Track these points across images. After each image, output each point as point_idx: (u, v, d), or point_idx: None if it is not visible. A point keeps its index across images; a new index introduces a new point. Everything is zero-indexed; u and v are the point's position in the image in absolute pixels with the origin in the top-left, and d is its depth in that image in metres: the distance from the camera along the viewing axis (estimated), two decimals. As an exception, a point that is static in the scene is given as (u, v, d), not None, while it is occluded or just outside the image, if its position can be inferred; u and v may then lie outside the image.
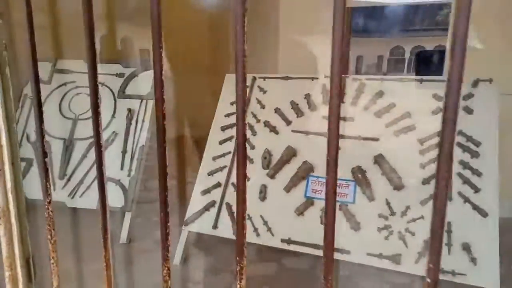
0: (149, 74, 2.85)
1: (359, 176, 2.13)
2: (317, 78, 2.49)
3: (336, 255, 2.03)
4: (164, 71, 0.62)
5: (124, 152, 2.73)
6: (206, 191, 2.41)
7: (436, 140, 2.09)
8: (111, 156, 2.74)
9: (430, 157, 2.06)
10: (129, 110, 2.79)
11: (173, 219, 2.80)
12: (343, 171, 2.19)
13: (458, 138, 2.05)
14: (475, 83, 2.12)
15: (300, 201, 2.20)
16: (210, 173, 2.45)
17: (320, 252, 2.06)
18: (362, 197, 2.10)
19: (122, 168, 2.70)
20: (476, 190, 1.91)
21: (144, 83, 2.84)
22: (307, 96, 2.45)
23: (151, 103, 2.77)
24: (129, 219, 2.60)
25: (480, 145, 1.99)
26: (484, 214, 1.86)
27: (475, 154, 1.98)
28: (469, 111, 2.08)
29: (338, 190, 2.16)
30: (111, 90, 2.86)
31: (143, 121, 2.75)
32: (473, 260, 1.80)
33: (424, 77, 2.27)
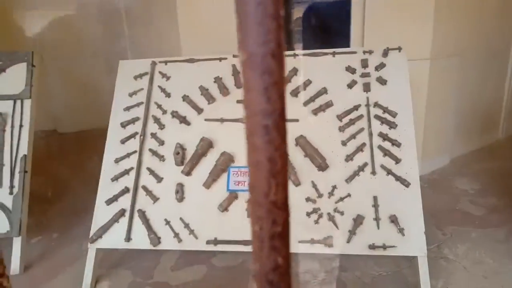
0: (22, 67, 2.26)
1: (282, 161, 1.94)
2: (225, 58, 2.21)
3: (268, 249, 1.84)
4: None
5: (0, 166, 2.16)
6: (112, 200, 2.01)
7: (354, 114, 1.99)
8: (-17, 173, 2.15)
9: (350, 132, 1.96)
10: (0, 114, 2.20)
11: (80, 232, 2.34)
12: (265, 158, 1.97)
13: (375, 110, 1.97)
14: (385, 53, 2.05)
15: (222, 196, 1.94)
16: (114, 178, 2.05)
17: (250, 248, 1.85)
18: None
19: (1, 186, 2.14)
20: (397, 161, 1.86)
21: (15, 79, 2.25)
22: (217, 79, 2.15)
23: (28, 103, 2.21)
24: (19, 245, 2.08)
25: (396, 115, 1.93)
26: (406, 184, 1.82)
27: (393, 125, 1.93)
28: (382, 81, 2.01)
29: (262, 178, 1.95)
30: (-30, 90, 2.21)
31: (21, 125, 2.19)
32: (401, 231, 1.76)
33: (336, 50, 2.13)
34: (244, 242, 1.86)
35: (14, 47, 3.49)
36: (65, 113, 4.41)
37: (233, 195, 1.94)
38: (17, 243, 2.08)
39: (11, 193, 2.12)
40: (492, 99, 3.53)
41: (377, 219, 1.79)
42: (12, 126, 2.19)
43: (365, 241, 1.77)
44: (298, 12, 3.24)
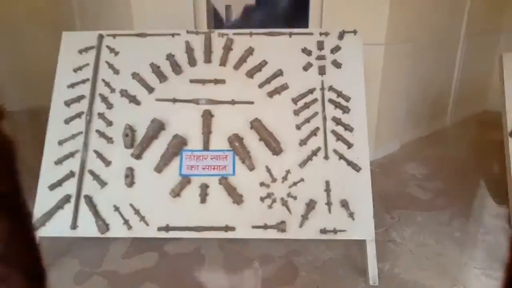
0: None
1: (237, 145, 1.87)
2: (179, 34, 2.06)
3: (221, 234, 1.79)
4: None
5: None
6: (55, 185, 1.85)
7: (309, 98, 1.94)
8: None
9: (304, 116, 1.91)
10: None
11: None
12: (219, 141, 1.90)
13: (330, 94, 1.93)
14: (341, 35, 2.00)
15: (175, 181, 1.85)
16: (58, 162, 1.88)
17: (203, 234, 1.79)
18: (242, 167, 1.86)
19: None
20: (349, 145, 1.85)
21: None
22: (169, 57, 2.01)
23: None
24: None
25: (350, 99, 1.91)
26: (357, 169, 1.82)
27: (346, 110, 1.90)
28: (337, 65, 1.97)
29: (216, 162, 1.87)
30: None
31: None
32: (351, 215, 1.77)
33: (293, 30, 2.05)
34: (197, 229, 1.79)
35: None
36: (10, 90, 4.03)
37: (185, 180, 1.85)
38: None
39: None
40: (441, 87, 3.65)
41: (328, 203, 1.78)
42: None
43: (317, 226, 1.76)
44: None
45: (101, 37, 2.05)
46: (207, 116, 1.93)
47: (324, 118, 1.90)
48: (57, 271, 1.84)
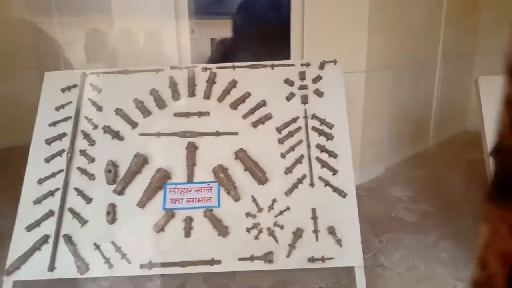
0: None
1: (221, 176, 1.85)
2: (162, 70, 2.08)
3: (207, 268, 1.73)
4: None
5: None
6: (33, 225, 1.79)
7: (292, 126, 1.95)
8: None
9: (289, 144, 1.92)
10: None
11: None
12: (204, 173, 1.88)
13: (313, 122, 1.96)
14: (322, 65, 2.05)
15: (158, 215, 1.80)
16: (37, 201, 1.83)
17: (188, 269, 1.73)
18: (227, 198, 1.83)
19: None
20: (334, 172, 1.85)
21: None
22: (153, 92, 2.02)
23: None
24: None
25: (333, 127, 1.93)
26: (343, 195, 1.81)
27: (329, 137, 1.92)
28: (319, 93, 2.00)
29: (200, 194, 1.84)
30: None
31: None
32: (339, 242, 1.74)
33: (275, 62, 2.10)
34: (182, 264, 1.73)
35: None
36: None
37: (169, 214, 1.80)
38: None
39: None
40: (422, 110, 3.74)
41: (316, 231, 1.76)
42: None
43: (305, 254, 1.72)
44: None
45: (84, 75, 2.06)
46: (191, 148, 1.92)
47: (308, 146, 1.91)
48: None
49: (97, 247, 1.75)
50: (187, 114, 2.00)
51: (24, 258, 1.73)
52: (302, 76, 2.07)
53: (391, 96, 3.16)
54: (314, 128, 1.95)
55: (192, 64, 2.16)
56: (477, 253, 0.25)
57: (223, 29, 3.31)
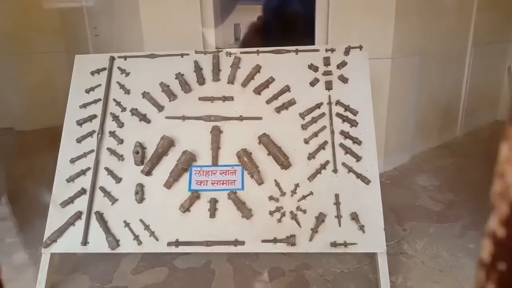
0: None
1: (245, 160, 1.88)
2: (187, 54, 2.12)
3: (231, 248, 1.78)
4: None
5: None
6: (67, 202, 1.88)
7: (316, 112, 1.95)
8: None
9: (312, 130, 1.92)
10: None
11: (35, 237, 2.19)
12: (228, 156, 1.92)
13: (337, 109, 1.95)
14: (347, 51, 2.02)
15: (184, 196, 1.86)
16: (70, 179, 1.92)
17: (213, 249, 1.79)
18: (250, 181, 1.87)
19: None
20: (358, 158, 1.85)
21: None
22: (179, 76, 2.06)
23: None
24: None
25: (357, 113, 1.92)
26: (367, 181, 1.81)
27: (353, 123, 1.91)
28: (344, 80, 1.99)
29: (225, 177, 1.89)
30: None
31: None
32: (361, 228, 1.75)
33: (299, 47, 2.09)
34: (207, 243, 1.79)
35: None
36: (22, 111, 4.15)
37: (195, 195, 1.86)
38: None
39: (-45, 196, 1.95)
40: (451, 98, 3.63)
41: (338, 216, 1.77)
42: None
43: (327, 239, 1.75)
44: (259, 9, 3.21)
45: (112, 59, 2.12)
46: (216, 132, 1.96)
47: (332, 132, 1.91)
48: (67, 287, 1.85)
49: (127, 224, 1.83)
50: (212, 99, 2.04)
51: (60, 232, 1.84)
52: (327, 61, 2.05)
53: (418, 83, 3.09)
54: (338, 115, 1.95)
55: (217, 49, 2.18)
56: (497, 168, 0.29)
57: (247, 15, 3.30)
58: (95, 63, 2.12)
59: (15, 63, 3.98)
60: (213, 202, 1.85)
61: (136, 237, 1.82)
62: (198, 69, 2.08)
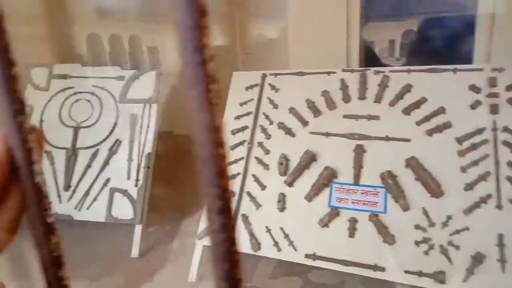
0: (151, 75, 2.48)
1: (390, 182, 1.77)
2: (334, 72, 2.11)
3: (369, 273, 1.69)
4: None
5: (129, 160, 2.39)
6: (219, 202, 2.07)
7: (477, 138, 1.72)
8: (116, 165, 2.41)
9: (471, 158, 1.69)
10: (132, 115, 2.44)
11: (190, 228, 2.48)
12: (371, 177, 1.83)
13: (504, 136, 1.67)
14: (524, 71, 1.73)
15: (323, 211, 1.85)
16: (223, 182, 2.10)
17: (349, 269, 1.72)
18: (394, 206, 1.74)
19: (128, 178, 2.37)
20: (532, 196, 1.55)
21: (146, 85, 2.47)
22: (325, 93, 2.07)
23: (155, 107, 2.41)
24: (139, 232, 2.28)
25: (535, 144, 1.61)
26: (544, 225, 1.50)
27: (528, 155, 1.61)
28: (516, 103, 1.69)
29: (366, 198, 1.80)
30: (111, 94, 2.50)
31: (148, 126, 2.40)
32: (532, 279, 1.45)
33: (458, 66, 1.87)
34: (344, 262, 1.74)
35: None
36: (180, 116, 4.75)
37: (334, 212, 1.83)
38: (137, 230, 2.28)
39: (136, 185, 2.34)
40: None
41: (502, 261, 1.51)
42: (141, 127, 2.41)
43: (486, 284, 1.51)
44: (409, 24, 2.99)
45: (264, 76, 2.26)
46: (359, 151, 1.90)
47: (497, 162, 1.64)
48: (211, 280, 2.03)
49: (268, 230, 1.91)
50: (356, 117, 1.98)
51: (210, 228, 2.03)
52: (493, 82, 1.79)
53: None
54: (505, 143, 1.67)
55: (364, 67, 2.12)
56: None
57: (394, 32, 3.14)
58: (249, 79, 2.29)
59: (177, 72, 4.60)
60: (353, 221, 1.79)
61: (276, 244, 1.88)
62: (344, 87, 2.05)
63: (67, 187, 2.48)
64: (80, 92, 2.56)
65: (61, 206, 2.45)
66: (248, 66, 3.18)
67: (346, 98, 2.03)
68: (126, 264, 2.22)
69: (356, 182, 1.85)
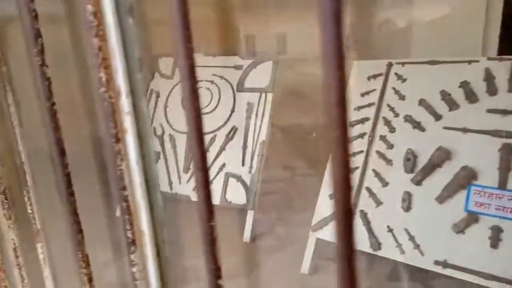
0: (268, 65, 2.53)
1: (551, 190, 1.50)
2: (477, 61, 1.86)
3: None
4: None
5: (244, 147, 2.49)
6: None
7: None
8: (232, 151, 2.53)
9: None
10: (249, 104, 2.52)
11: (298, 217, 2.49)
12: (524, 182, 1.57)
13: None
14: None
15: (459, 215, 1.66)
16: (340, 175, 2.04)
17: (491, 284, 1.52)
18: (556, 218, 1.47)
19: (243, 164, 2.46)
20: None
21: (263, 74, 2.53)
22: (464, 84, 1.84)
23: (270, 96, 2.46)
24: (251, 218, 2.36)
25: None
26: None
27: None
28: None
29: (516, 205, 1.56)
30: (229, 83, 2.62)
31: (263, 115, 2.46)
32: None
33: None
34: (484, 275, 1.54)
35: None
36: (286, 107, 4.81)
37: (472, 217, 1.63)
38: (250, 215, 2.36)
39: (249, 171, 2.42)
40: None
41: None
42: (256, 115, 2.48)
43: None
44: None
45: (390, 65, 2.11)
46: (507, 151, 1.65)
47: None
48: (326, 273, 2.00)
49: (390, 230, 1.80)
50: (504, 112, 1.72)
51: (325, 221, 2.00)
52: None
53: None
54: None
55: (507, 56, 1.82)
56: None
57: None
58: (372, 69, 2.17)
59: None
60: (496, 230, 1.57)
61: (399, 245, 1.76)
62: (489, 77, 1.80)
63: (186, 169, 2.70)
64: (201, 81, 2.74)
65: (181, 186, 2.67)
66: (361, 55, 3.03)
67: (492, 91, 1.78)
68: (239, 248, 2.32)
69: (502, 186, 1.62)
